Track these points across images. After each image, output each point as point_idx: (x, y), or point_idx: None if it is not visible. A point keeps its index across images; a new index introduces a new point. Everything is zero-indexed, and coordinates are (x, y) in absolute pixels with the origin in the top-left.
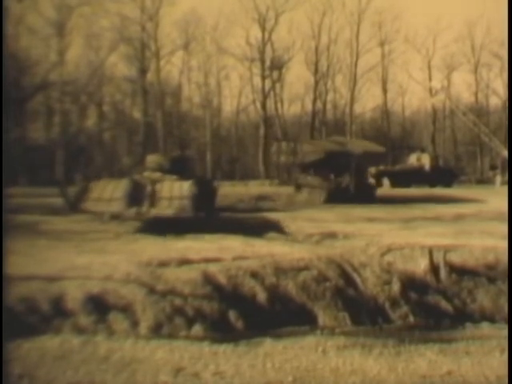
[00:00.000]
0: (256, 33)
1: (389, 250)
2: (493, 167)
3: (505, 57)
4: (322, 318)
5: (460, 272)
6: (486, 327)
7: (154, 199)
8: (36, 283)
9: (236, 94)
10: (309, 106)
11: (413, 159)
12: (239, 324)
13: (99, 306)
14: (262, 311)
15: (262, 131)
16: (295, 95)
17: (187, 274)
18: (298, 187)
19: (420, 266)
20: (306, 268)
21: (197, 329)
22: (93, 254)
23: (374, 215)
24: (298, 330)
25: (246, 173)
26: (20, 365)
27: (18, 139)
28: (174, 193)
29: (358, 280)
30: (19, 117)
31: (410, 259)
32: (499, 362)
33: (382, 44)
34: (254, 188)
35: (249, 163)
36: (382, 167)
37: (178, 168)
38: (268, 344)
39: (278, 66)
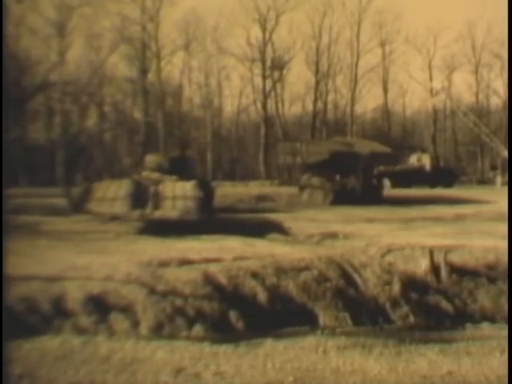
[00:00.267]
0: (257, 33)
1: (389, 250)
2: (493, 167)
3: (505, 57)
4: (323, 319)
5: (460, 272)
6: (486, 327)
7: (157, 200)
8: (36, 283)
9: (237, 94)
10: (309, 106)
11: (413, 159)
12: (240, 324)
13: (100, 306)
14: (263, 311)
15: (262, 131)
16: (296, 95)
17: (188, 274)
18: (303, 188)
19: (420, 266)
20: (307, 268)
21: (197, 329)
22: (93, 254)
23: (375, 215)
24: (299, 330)
25: (247, 173)
26: (20, 365)
27: (18, 139)
28: (177, 194)
29: (358, 280)
30: (19, 117)
31: (410, 259)
32: (499, 362)
33: (382, 44)
34: (255, 188)
35: (249, 163)
36: (382, 167)
37: (178, 168)
38: (268, 344)
39: (278, 66)
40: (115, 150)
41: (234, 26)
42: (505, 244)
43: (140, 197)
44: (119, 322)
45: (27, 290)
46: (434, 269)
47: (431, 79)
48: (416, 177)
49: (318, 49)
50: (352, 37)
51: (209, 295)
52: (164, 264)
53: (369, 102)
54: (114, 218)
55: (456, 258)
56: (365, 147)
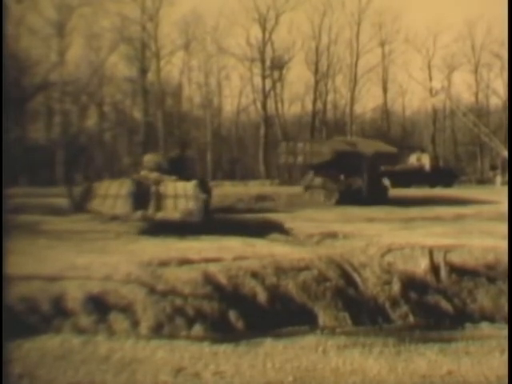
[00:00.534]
0: (256, 33)
1: (389, 250)
2: (493, 167)
3: (505, 57)
4: (323, 318)
5: (460, 272)
6: (485, 327)
7: (159, 201)
8: (36, 283)
9: (236, 93)
10: (309, 106)
11: (413, 159)
12: (239, 324)
13: (100, 305)
14: (263, 311)
15: (262, 131)
16: (295, 95)
17: (187, 273)
18: (307, 188)
19: (420, 265)
20: (307, 268)
21: (197, 329)
22: (93, 253)
23: (374, 215)
24: (299, 329)
25: (247, 173)
26: (20, 364)
27: (18, 139)
28: (179, 194)
29: (358, 280)
30: (19, 117)
31: (410, 259)
32: (499, 362)
33: (382, 44)
34: (255, 188)
35: (249, 163)
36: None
37: (177, 168)
38: (268, 344)
39: (278, 65)
40: (115, 149)
41: (233, 26)
42: (504, 244)
43: (141, 197)
44: (119, 321)
45: (27, 289)
46: (434, 268)
47: (431, 79)
48: (415, 177)
49: (317, 49)
50: (352, 37)
51: (208, 295)
52: (164, 264)
53: (368, 101)
54: (115, 217)
55: (456, 258)
56: (368, 147)
